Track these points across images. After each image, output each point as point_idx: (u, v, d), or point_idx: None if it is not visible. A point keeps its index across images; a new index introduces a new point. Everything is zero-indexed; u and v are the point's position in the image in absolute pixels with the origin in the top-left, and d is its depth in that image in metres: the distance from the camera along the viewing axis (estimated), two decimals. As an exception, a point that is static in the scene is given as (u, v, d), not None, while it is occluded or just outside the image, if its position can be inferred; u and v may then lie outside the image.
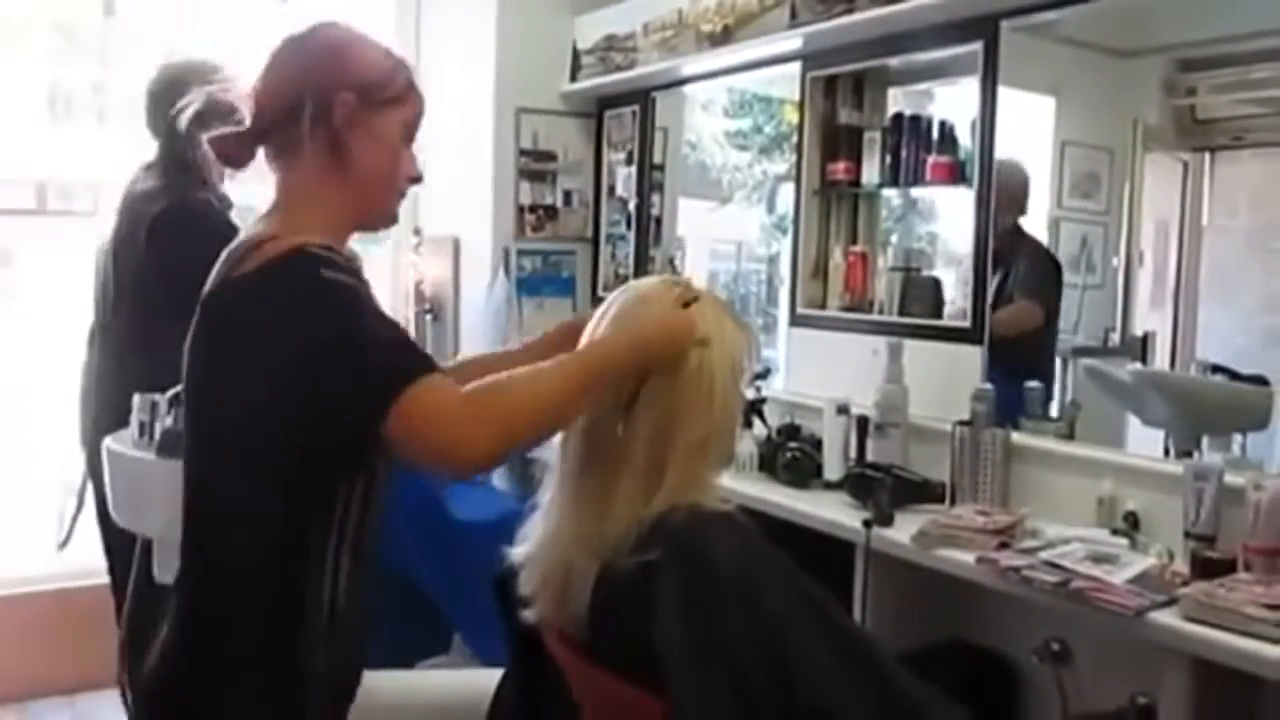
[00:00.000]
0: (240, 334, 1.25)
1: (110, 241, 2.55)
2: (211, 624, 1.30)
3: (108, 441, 2.14)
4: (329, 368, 1.18)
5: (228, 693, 1.27)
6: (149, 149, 2.57)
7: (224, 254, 1.31)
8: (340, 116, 1.32)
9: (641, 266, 3.57)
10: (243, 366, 1.25)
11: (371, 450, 1.26)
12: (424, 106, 1.42)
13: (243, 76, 1.41)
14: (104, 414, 2.44)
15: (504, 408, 1.18)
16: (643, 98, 3.54)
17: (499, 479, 3.51)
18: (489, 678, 1.59)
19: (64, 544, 2.58)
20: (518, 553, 1.41)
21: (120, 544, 2.45)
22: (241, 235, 1.33)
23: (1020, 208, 2.61)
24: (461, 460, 1.18)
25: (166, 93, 2.49)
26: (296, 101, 1.32)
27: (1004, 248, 2.54)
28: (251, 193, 1.53)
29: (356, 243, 1.46)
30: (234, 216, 2.58)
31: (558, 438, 1.40)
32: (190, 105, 1.47)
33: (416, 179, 1.43)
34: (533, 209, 3.71)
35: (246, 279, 1.24)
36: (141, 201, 2.50)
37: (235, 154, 1.38)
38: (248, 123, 1.36)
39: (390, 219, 1.45)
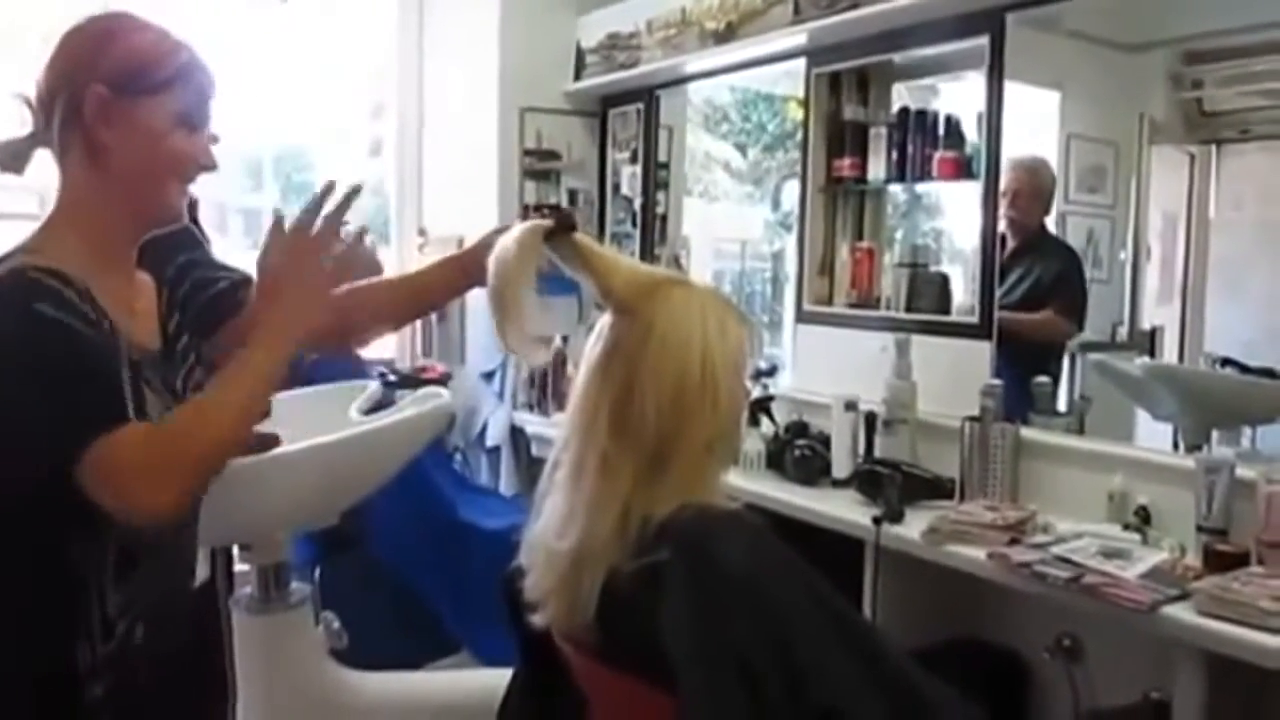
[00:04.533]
0: None
1: None
2: None
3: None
4: (25, 409, 1.14)
5: None
6: None
7: None
8: (91, 110, 1.22)
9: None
10: None
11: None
12: (209, 90, 1.30)
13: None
14: None
15: (185, 452, 1.16)
16: (647, 96, 3.54)
17: (505, 485, 3.49)
18: (498, 678, 1.58)
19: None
20: (523, 557, 1.41)
21: None
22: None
23: (1045, 207, 2.61)
24: (146, 511, 1.15)
25: None
26: (51, 100, 1.24)
27: (1027, 246, 2.54)
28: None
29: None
30: None
31: (560, 443, 1.39)
32: None
33: (207, 167, 1.31)
34: (537, 208, 3.69)
35: None
36: None
37: (5, 159, 1.30)
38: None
39: (172, 214, 1.31)
